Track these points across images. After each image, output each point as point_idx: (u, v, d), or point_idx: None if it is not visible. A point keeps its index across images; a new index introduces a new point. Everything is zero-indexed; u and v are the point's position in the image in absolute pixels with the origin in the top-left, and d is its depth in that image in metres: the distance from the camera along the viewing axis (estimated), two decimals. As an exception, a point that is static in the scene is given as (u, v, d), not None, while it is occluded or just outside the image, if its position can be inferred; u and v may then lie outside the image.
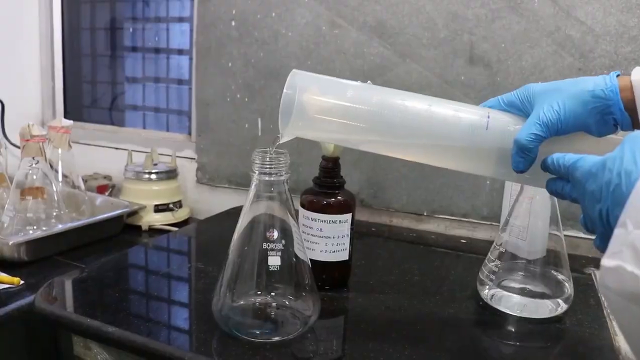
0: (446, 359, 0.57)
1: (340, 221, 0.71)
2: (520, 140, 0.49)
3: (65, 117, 1.46)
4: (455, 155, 0.53)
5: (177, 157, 1.27)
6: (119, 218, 1.09)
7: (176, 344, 0.57)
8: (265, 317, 0.59)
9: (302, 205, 0.71)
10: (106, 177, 1.35)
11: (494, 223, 1.01)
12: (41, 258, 0.94)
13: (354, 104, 0.52)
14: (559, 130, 0.48)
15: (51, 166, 1.09)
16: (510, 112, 0.53)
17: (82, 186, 1.14)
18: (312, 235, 0.71)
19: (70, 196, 1.13)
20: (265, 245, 0.56)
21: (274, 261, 0.56)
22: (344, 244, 0.72)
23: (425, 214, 1.06)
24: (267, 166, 0.56)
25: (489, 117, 0.52)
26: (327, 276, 0.71)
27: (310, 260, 0.62)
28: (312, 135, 0.55)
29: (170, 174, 1.19)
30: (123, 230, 1.11)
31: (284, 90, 0.52)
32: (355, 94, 0.52)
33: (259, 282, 0.58)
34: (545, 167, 0.48)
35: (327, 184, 0.72)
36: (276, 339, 0.57)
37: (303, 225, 0.70)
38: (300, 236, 0.60)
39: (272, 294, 0.59)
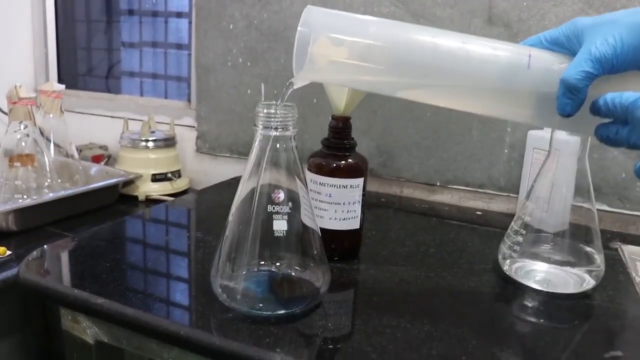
0: (469, 336, 0.51)
1: (351, 186, 0.65)
2: (568, 79, 0.43)
3: (60, 86, 1.40)
4: (491, 98, 0.47)
5: (176, 125, 1.21)
6: (113, 187, 1.03)
7: (171, 318, 0.51)
8: (269, 289, 0.53)
9: (310, 169, 0.65)
10: (102, 147, 1.29)
11: (511, 195, 0.95)
12: (31, 228, 0.89)
13: (377, 42, 0.45)
14: (614, 67, 0.42)
15: (42, 134, 1.03)
16: (553, 50, 0.47)
17: (76, 155, 1.08)
18: (321, 201, 0.65)
19: (63, 166, 1.07)
20: (270, 208, 0.50)
21: (280, 226, 0.50)
22: (354, 211, 0.66)
23: (438, 184, 1.01)
24: (273, 119, 0.50)
25: (530, 55, 0.46)
26: (337, 246, 0.66)
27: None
28: (329, 78, 0.48)
29: (168, 142, 1.14)
30: (119, 200, 1.06)
31: (298, 28, 0.46)
32: (379, 31, 0.46)
33: (262, 251, 0.52)
34: (595, 109, 0.42)
35: (337, 145, 0.66)
36: (281, 312, 0.51)
37: (311, 190, 0.64)
38: (309, 201, 0.55)
39: (277, 264, 0.54)
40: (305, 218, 0.54)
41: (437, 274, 0.66)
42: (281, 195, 0.51)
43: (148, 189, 1.09)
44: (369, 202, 0.78)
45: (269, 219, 0.51)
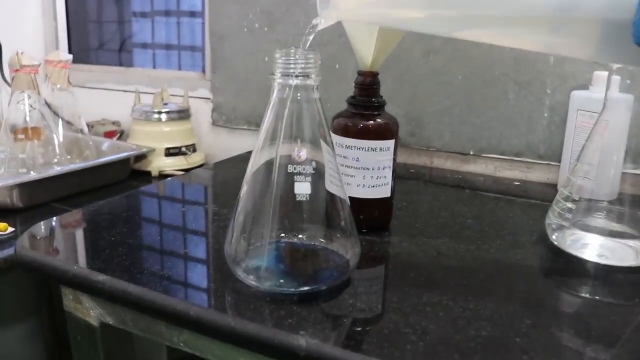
0: (521, 314, 0.44)
1: (380, 149, 0.58)
2: None
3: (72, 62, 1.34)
4: (546, 30, 0.39)
5: (191, 97, 1.14)
6: (124, 162, 0.97)
7: (180, 296, 0.45)
8: (290, 263, 0.47)
9: (335, 131, 0.58)
10: (114, 122, 1.24)
11: (552, 163, 0.87)
12: (38, 204, 0.84)
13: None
14: None
15: (50, 108, 0.98)
16: None
17: (86, 129, 1.03)
18: (347, 166, 0.58)
19: (73, 142, 1.02)
20: (290, 169, 0.43)
21: (302, 188, 0.43)
22: (385, 177, 0.59)
23: (471, 153, 0.93)
24: (293, 65, 0.42)
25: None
26: (365, 216, 0.59)
27: (345, 197, 0.49)
28: (357, 14, 0.41)
29: (182, 114, 1.08)
30: (131, 176, 1.00)
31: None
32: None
33: (282, 220, 0.45)
34: None
35: (364, 103, 0.59)
36: (305, 289, 0.44)
37: (336, 155, 0.56)
38: (337, 166, 0.47)
39: (300, 235, 0.47)
40: (332, 186, 0.47)
41: (478, 246, 0.58)
42: (303, 154, 0.44)
43: (161, 164, 1.03)
44: (396, 174, 0.71)
45: (289, 181, 0.44)
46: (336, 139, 0.58)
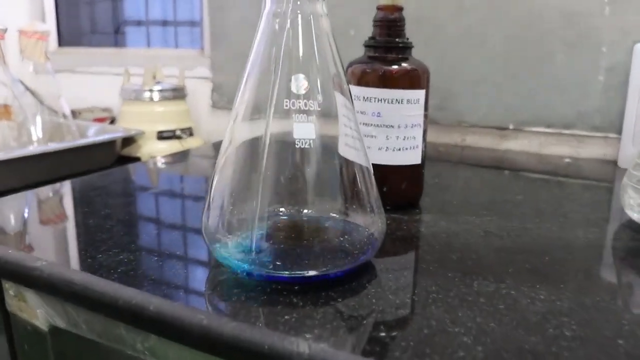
0: (615, 307, 0.31)
1: (408, 101, 0.46)
2: None
3: (61, 45, 1.25)
4: None
5: (189, 78, 1.04)
6: (109, 146, 0.86)
7: (137, 287, 0.33)
8: (290, 242, 0.35)
9: (350, 80, 0.47)
10: (105, 109, 1.13)
11: (610, 135, 0.74)
12: (6, 190, 0.72)
13: None
14: None
15: (25, 87, 0.87)
16: None
17: (68, 112, 0.92)
18: (366, 124, 0.46)
19: (55, 126, 0.91)
20: (287, 104, 0.31)
21: (304, 132, 0.32)
22: (414, 138, 0.47)
23: (511, 127, 0.81)
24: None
25: None
26: (390, 189, 0.47)
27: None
28: None
29: (177, 93, 0.97)
30: (119, 163, 0.89)
31: None
32: None
33: (277, 182, 0.34)
34: None
35: (387, 45, 0.47)
36: (309, 274, 0.32)
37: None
38: (357, 123, 0.36)
39: (304, 210, 0.36)
40: (349, 150, 0.36)
41: (536, 225, 0.46)
42: (303, 83, 0.31)
43: (153, 149, 0.93)
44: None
45: (285, 123, 0.32)
46: (352, 90, 0.46)
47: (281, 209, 0.36)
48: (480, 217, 0.48)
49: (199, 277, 0.35)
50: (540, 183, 0.66)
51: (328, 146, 0.35)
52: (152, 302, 0.32)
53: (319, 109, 0.33)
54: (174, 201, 0.56)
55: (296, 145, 0.32)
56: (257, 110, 0.34)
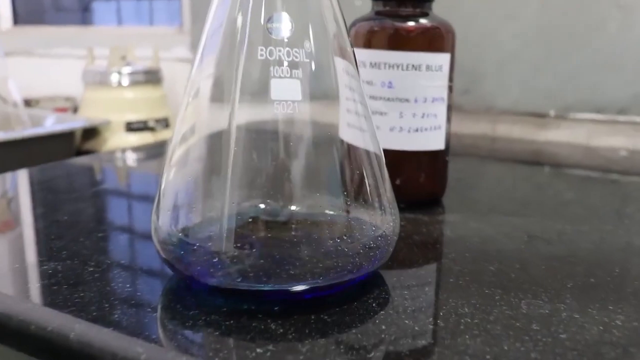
0: None
1: (428, 67, 0.41)
2: None
3: (17, 24, 1.20)
4: None
5: (165, 59, 0.98)
6: (66, 138, 0.81)
7: (69, 309, 0.27)
8: (269, 247, 0.29)
9: (354, 42, 0.42)
10: (69, 98, 1.08)
11: (674, 122, 0.69)
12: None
13: None
14: None
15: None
16: None
17: (19, 99, 0.87)
18: (374, 98, 0.41)
19: (2, 117, 0.85)
20: (261, 53, 0.26)
21: (285, 90, 0.26)
22: (435, 115, 0.42)
23: (552, 113, 0.76)
24: None
25: None
26: (405, 181, 0.42)
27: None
28: None
29: (150, 77, 0.93)
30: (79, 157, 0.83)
31: None
32: None
33: (249, 164, 0.29)
34: None
35: (400, -5, 0.41)
36: (295, 289, 0.27)
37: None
38: (363, 96, 0.32)
39: (290, 207, 0.30)
40: (352, 132, 0.31)
41: (594, 227, 0.41)
42: (287, 24, 0.26)
43: (120, 142, 0.88)
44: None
45: (260, 77, 0.26)
46: (358, 54, 0.41)
47: (260, 205, 0.30)
48: (520, 217, 0.43)
49: (145, 294, 0.29)
50: (590, 181, 0.61)
51: (323, 124, 0.30)
52: (74, 328, 0.25)
53: (308, 61, 0.27)
54: (127, 201, 0.51)
55: (275, 110, 0.26)
56: (223, 79, 0.29)
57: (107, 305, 0.27)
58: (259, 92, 0.27)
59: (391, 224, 0.31)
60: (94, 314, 0.26)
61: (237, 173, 0.28)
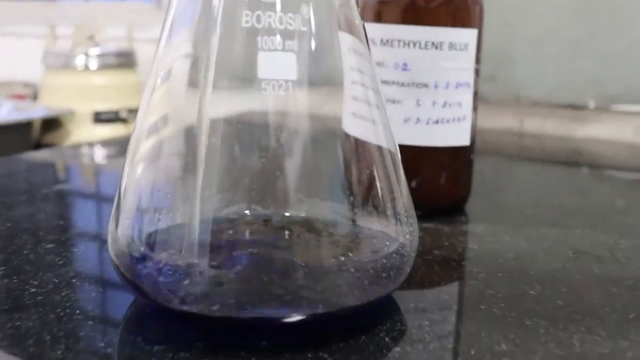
0: None
1: (451, 46, 0.39)
2: None
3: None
4: None
5: (141, 40, 0.97)
6: (21, 130, 0.79)
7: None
8: (254, 265, 0.27)
9: (363, 17, 0.40)
10: (28, 85, 1.07)
11: None
12: None
13: None
14: None
15: None
16: None
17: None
18: (386, 82, 0.39)
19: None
20: (246, 20, 0.24)
21: (276, 66, 0.24)
22: (459, 104, 0.40)
23: (592, 105, 0.77)
24: None
25: None
26: (422, 184, 0.40)
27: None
28: None
29: (123, 60, 0.93)
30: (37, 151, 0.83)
31: None
32: None
33: (232, 162, 0.27)
34: None
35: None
36: (291, 319, 0.24)
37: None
38: (375, 80, 0.30)
39: (283, 212, 0.28)
40: (360, 123, 0.29)
41: None
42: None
43: (86, 135, 0.87)
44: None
45: (245, 49, 0.24)
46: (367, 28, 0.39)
47: (245, 213, 0.29)
48: (562, 228, 0.41)
49: (99, 324, 0.27)
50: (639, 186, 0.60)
51: (323, 113, 0.29)
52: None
53: (305, 31, 0.24)
54: (91, 204, 0.51)
55: (263, 92, 0.23)
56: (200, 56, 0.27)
57: (48, 337, 0.25)
58: (243, 70, 0.26)
59: (408, 236, 0.29)
60: (31, 349, 0.24)
61: (214, 173, 0.26)
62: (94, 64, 0.90)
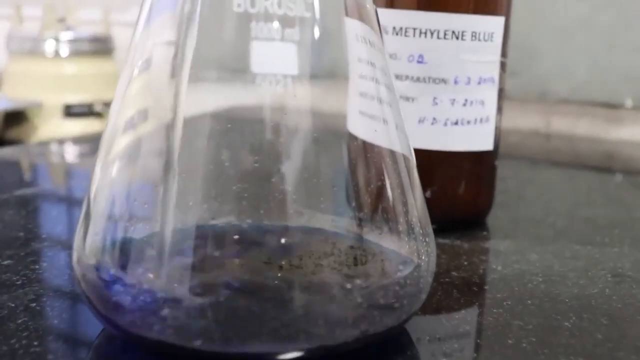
0: None
1: (473, 35, 0.39)
2: None
3: None
4: None
5: (119, 24, 0.97)
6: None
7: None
8: (241, 290, 0.26)
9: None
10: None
11: None
12: None
13: None
14: None
15: None
16: None
17: None
18: (398, 77, 0.39)
19: None
20: (238, 3, 0.23)
21: (273, 59, 0.24)
22: (482, 102, 0.40)
23: (629, 104, 0.77)
24: None
25: None
26: (438, 193, 0.40)
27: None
28: None
29: (97, 46, 0.93)
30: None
31: None
32: None
33: (217, 166, 0.27)
34: None
35: None
36: (287, 356, 0.24)
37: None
38: (387, 72, 0.29)
39: (277, 223, 0.28)
40: (368, 123, 0.29)
41: None
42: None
43: (56, 130, 0.87)
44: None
45: (235, 38, 0.24)
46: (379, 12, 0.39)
47: (234, 226, 0.28)
48: (599, 246, 0.40)
49: (58, 356, 0.26)
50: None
51: (327, 112, 0.28)
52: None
53: (309, 17, 0.23)
54: (61, 210, 0.50)
55: (258, 89, 0.23)
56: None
57: None
58: (233, 61, 0.25)
59: (424, 256, 0.28)
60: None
61: (196, 179, 0.25)
62: (65, 50, 0.89)
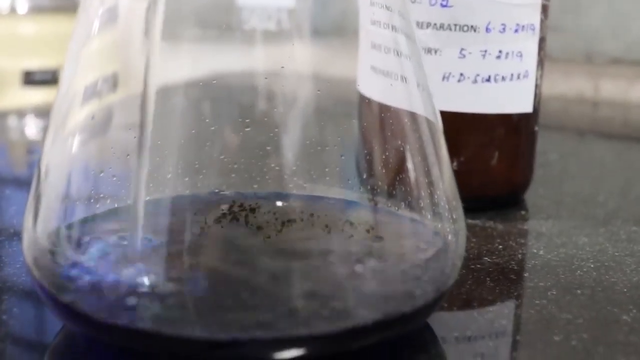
0: None
1: None
2: None
3: None
4: None
5: None
6: None
7: None
8: (227, 278, 0.26)
9: None
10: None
11: None
12: None
13: None
14: None
15: None
16: None
17: None
18: (418, 24, 0.40)
19: None
20: None
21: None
22: (519, 55, 0.41)
23: None
24: None
25: None
26: (466, 164, 0.41)
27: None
28: None
29: (60, 2, 0.94)
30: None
31: None
32: None
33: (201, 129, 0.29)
34: None
35: None
36: (287, 354, 0.24)
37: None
38: (407, 10, 0.30)
39: (277, 203, 0.30)
40: (382, 81, 0.31)
41: None
42: None
43: (14, 100, 0.90)
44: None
45: None
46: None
47: (221, 203, 0.29)
48: None
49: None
50: None
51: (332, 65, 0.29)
52: None
53: None
54: (11, 193, 0.51)
55: (245, 24, 0.24)
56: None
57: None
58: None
59: (450, 236, 0.28)
60: None
61: (174, 148, 0.27)
62: (22, 7, 0.90)
